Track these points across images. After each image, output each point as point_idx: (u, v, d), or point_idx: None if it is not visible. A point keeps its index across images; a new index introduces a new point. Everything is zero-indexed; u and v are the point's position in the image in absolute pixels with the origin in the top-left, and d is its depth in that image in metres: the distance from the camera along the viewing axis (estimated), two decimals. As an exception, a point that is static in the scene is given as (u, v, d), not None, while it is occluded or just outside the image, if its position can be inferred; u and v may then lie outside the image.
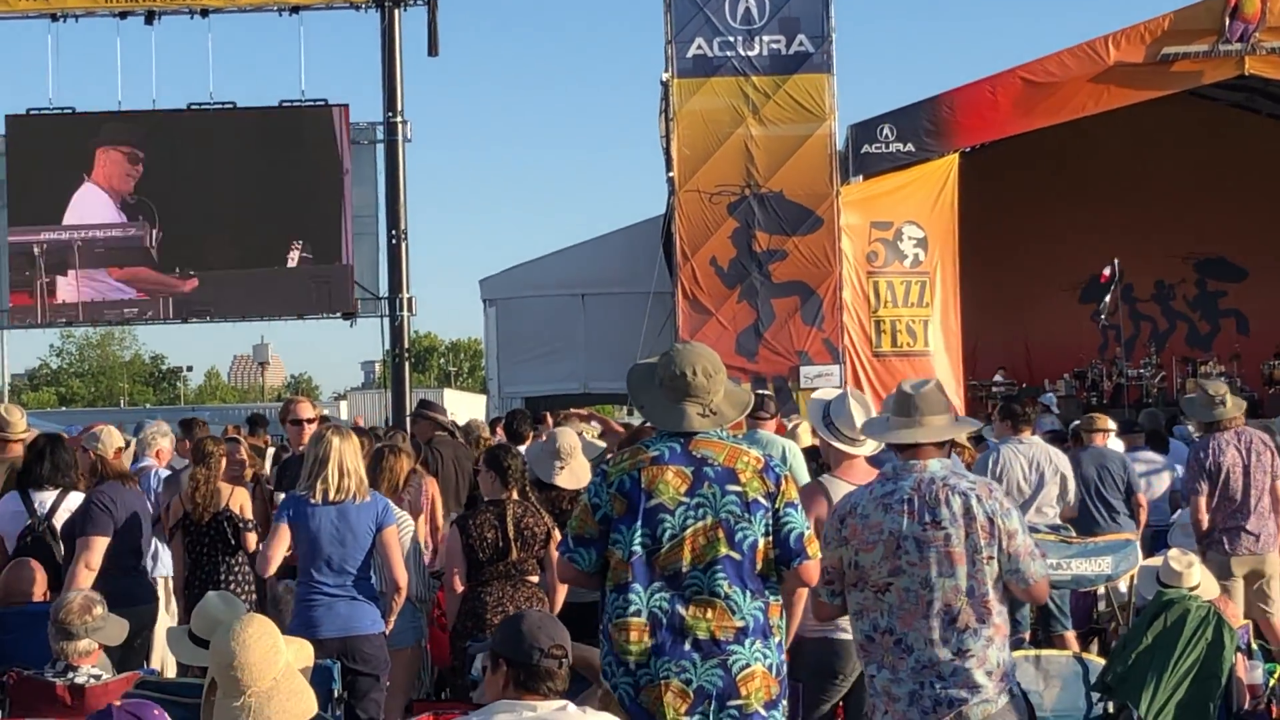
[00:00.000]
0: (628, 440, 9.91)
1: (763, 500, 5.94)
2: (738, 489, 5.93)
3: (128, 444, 12.67)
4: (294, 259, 28.82)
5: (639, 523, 5.96)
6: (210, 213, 28.92)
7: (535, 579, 9.10)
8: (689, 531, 5.92)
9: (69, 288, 29.20)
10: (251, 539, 10.30)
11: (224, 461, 10.54)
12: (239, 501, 10.52)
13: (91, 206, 29.11)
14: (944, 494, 6.00)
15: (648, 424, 6.91)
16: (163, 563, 11.69)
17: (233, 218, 29.01)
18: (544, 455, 10.13)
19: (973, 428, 6.32)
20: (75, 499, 9.82)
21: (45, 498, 9.85)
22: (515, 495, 9.14)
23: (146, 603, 9.77)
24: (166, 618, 10.90)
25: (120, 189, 28.99)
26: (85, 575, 9.24)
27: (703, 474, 5.95)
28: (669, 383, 6.06)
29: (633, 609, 5.94)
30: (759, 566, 5.93)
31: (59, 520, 9.75)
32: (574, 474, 10.02)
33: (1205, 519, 11.95)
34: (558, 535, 9.01)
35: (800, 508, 6.04)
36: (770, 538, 5.95)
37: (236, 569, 10.36)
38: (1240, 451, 11.94)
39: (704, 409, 6.03)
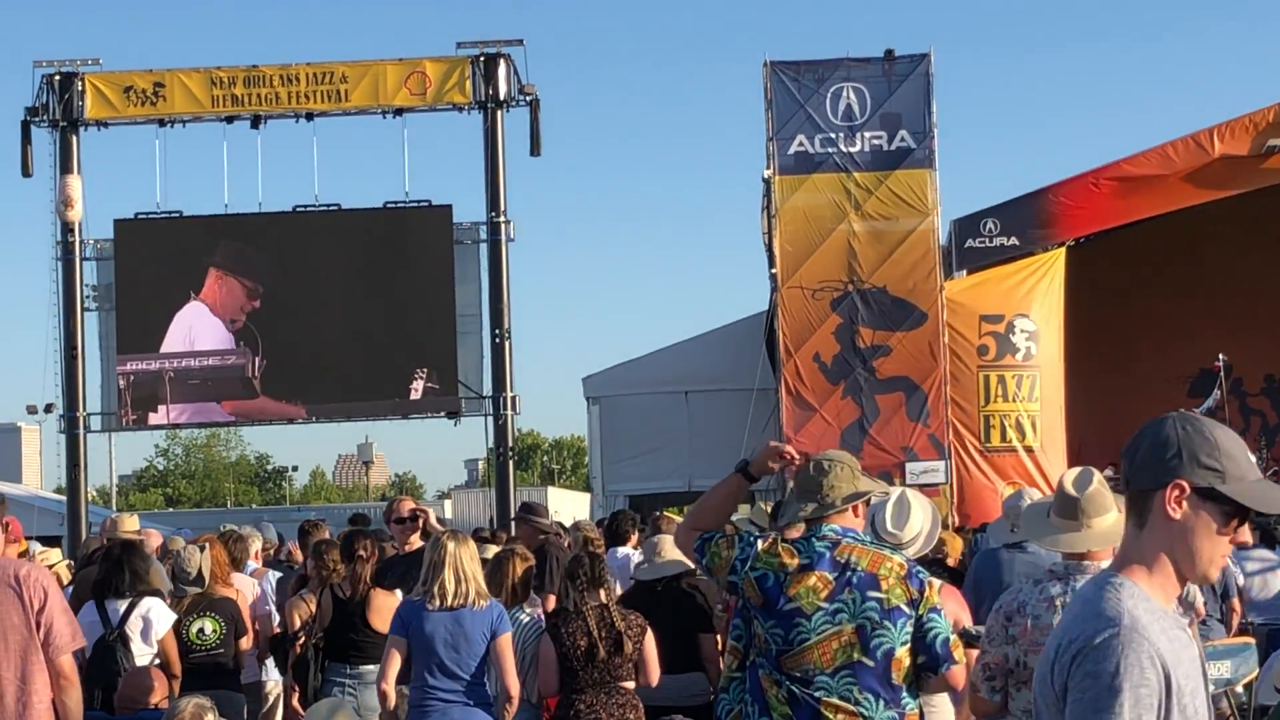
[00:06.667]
0: None
1: (904, 608, 5.87)
2: (879, 595, 5.86)
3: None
4: (418, 390, 28.69)
5: (773, 621, 5.91)
6: (320, 337, 28.62)
7: (630, 685, 9.01)
8: (823, 636, 5.86)
9: (158, 420, 29.26)
10: None
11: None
12: None
13: (196, 328, 28.67)
14: None
15: None
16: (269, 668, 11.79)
17: (344, 344, 28.68)
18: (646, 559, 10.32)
19: None
20: (148, 605, 9.74)
21: (119, 606, 9.73)
22: (602, 599, 9.05)
23: None
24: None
25: (229, 316, 28.62)
26: None
27: (844, 579, 5.89)
28: (800, 483, 6.09)
29: (770, 679, 5.91)
30: (894, 675, 5.85)
31: (133, 629, 9.65)
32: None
33: None
34: (650, 635, 9.00)
35: (944, 613, 5.97)
36: (910, 645, 5.87)
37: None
38: None
39: (819, 501, 6.01)
